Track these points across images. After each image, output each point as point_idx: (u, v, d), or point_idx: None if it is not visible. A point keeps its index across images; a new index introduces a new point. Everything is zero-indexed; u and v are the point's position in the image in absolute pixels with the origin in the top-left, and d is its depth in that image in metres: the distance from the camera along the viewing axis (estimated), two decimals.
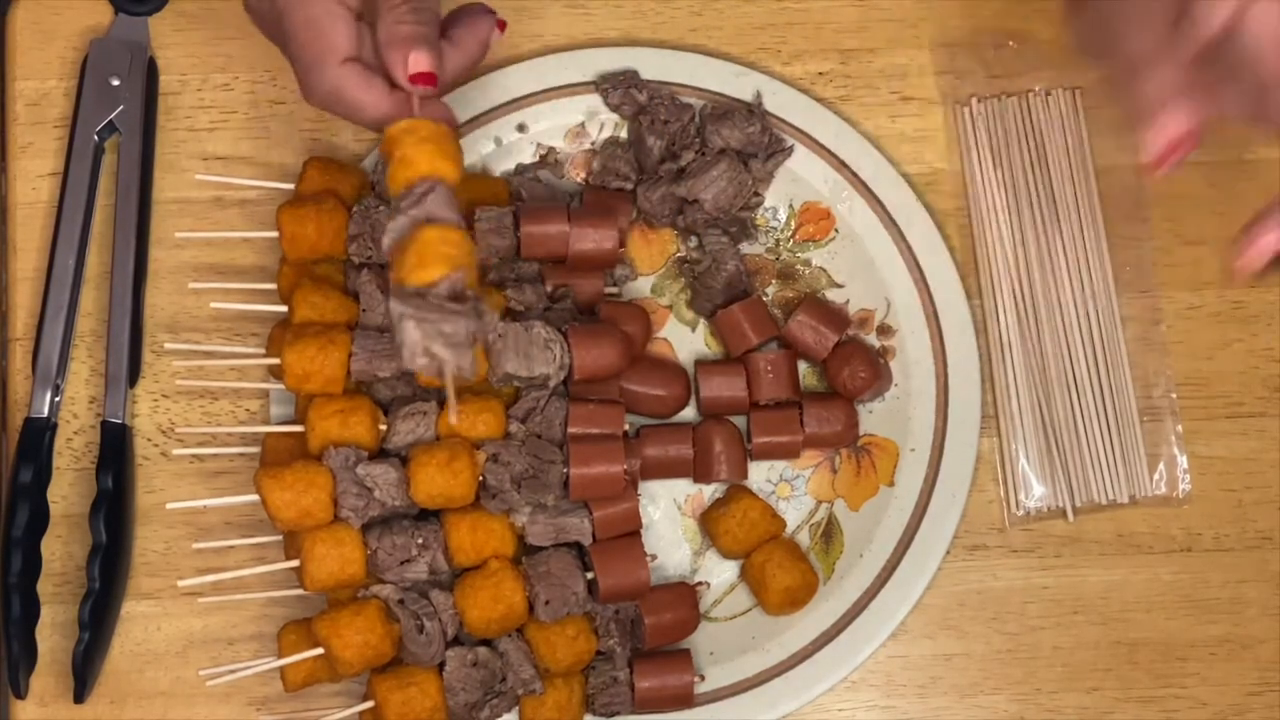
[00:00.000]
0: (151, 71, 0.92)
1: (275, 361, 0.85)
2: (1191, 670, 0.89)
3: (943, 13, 0.94)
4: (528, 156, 0.92)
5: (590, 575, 0.84)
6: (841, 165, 0.91)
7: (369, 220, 0.86)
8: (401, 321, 0.70)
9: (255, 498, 0.82)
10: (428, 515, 0.85)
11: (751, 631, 0.89)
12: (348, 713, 0.83)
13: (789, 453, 0.89)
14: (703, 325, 0.92)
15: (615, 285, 0.90)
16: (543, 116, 0.92)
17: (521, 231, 0.87)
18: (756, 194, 0.91)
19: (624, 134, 0.93)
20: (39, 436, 0.89)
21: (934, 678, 0.89)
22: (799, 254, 0.92)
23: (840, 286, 0.92)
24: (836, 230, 0.92)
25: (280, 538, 0.86)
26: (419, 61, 0.76)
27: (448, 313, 0.71)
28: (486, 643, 0.84)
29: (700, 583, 0.89)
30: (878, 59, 0.94)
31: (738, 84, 0.92)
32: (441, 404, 0.84)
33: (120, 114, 0.91)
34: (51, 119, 0.93)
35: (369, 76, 0.77)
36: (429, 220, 0.72)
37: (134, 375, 0.90)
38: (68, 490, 0.90)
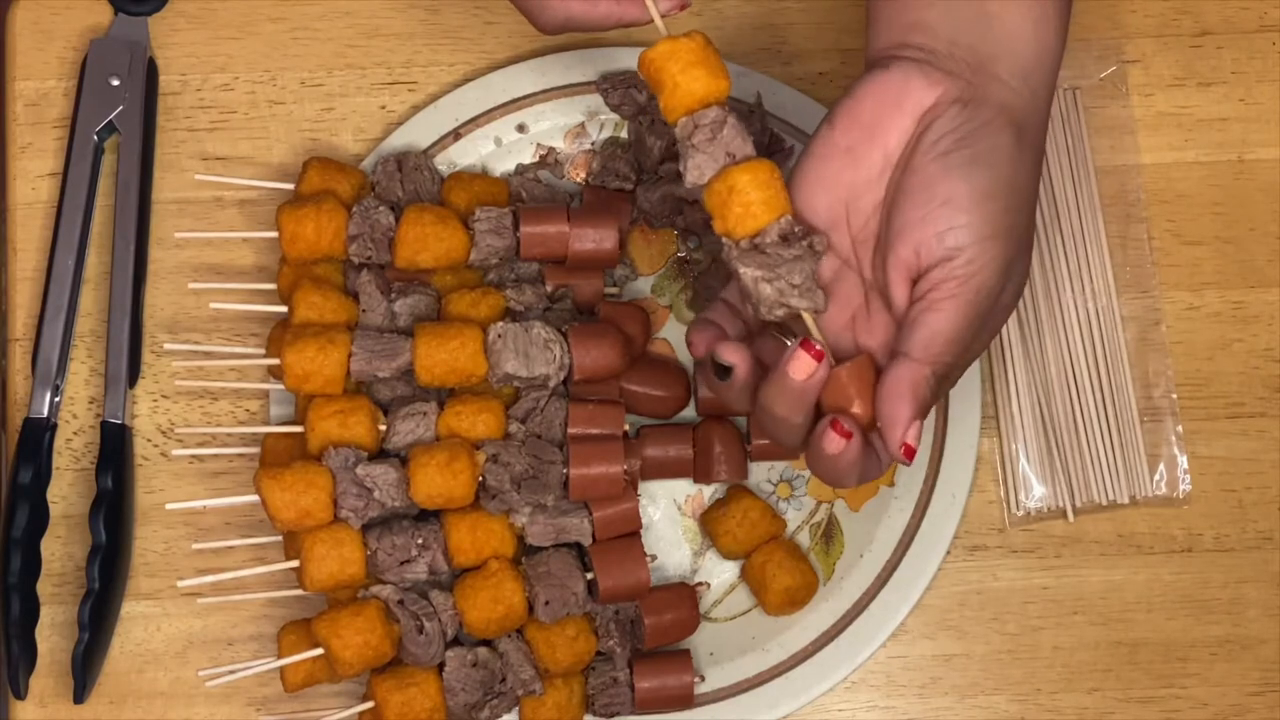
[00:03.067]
0: (151, 71, 0.92)
1: (275, 362, 0.85)
2: (1192, 671, 0.89)
3: None
4: (528, 156, 0.92)
5: (590, 575, 0.84)
6: None
7: (369, 220, 0.86)
8: (756, 285, 0.71)
9: (255, 498, 0.82)
10: (427, 516, 0.85)
11: (751, 632, 0.88)
12: (348, 713, 0.83)
13: (789, 453, 0.89)
14: None
15: (615, 285, 0.90)
16: (543, 116, 0.92)
17: (521, 231, 0.87)
18: None
19: (624, 134, 0.93)
20: (39, 437, 0.89)
21: (934, 678, 0.89)
22: None
23: None
24: None
25: (280, 538, 0.86)
26: None
27: (788, 261, 0.71)
28: (486, 643, 0.84)
29: (700, 583, 0.89)
30: None
31: (738, 84, 0.91)
32: (441, 404, 0.85)
33: (120, 114, 0.91)
34: (51, 119, 0.93)
35: None
36: (731, 158, 0.72)
37: (134, 375, 0.90)
38: (67, 490, 0.90)
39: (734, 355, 0.72)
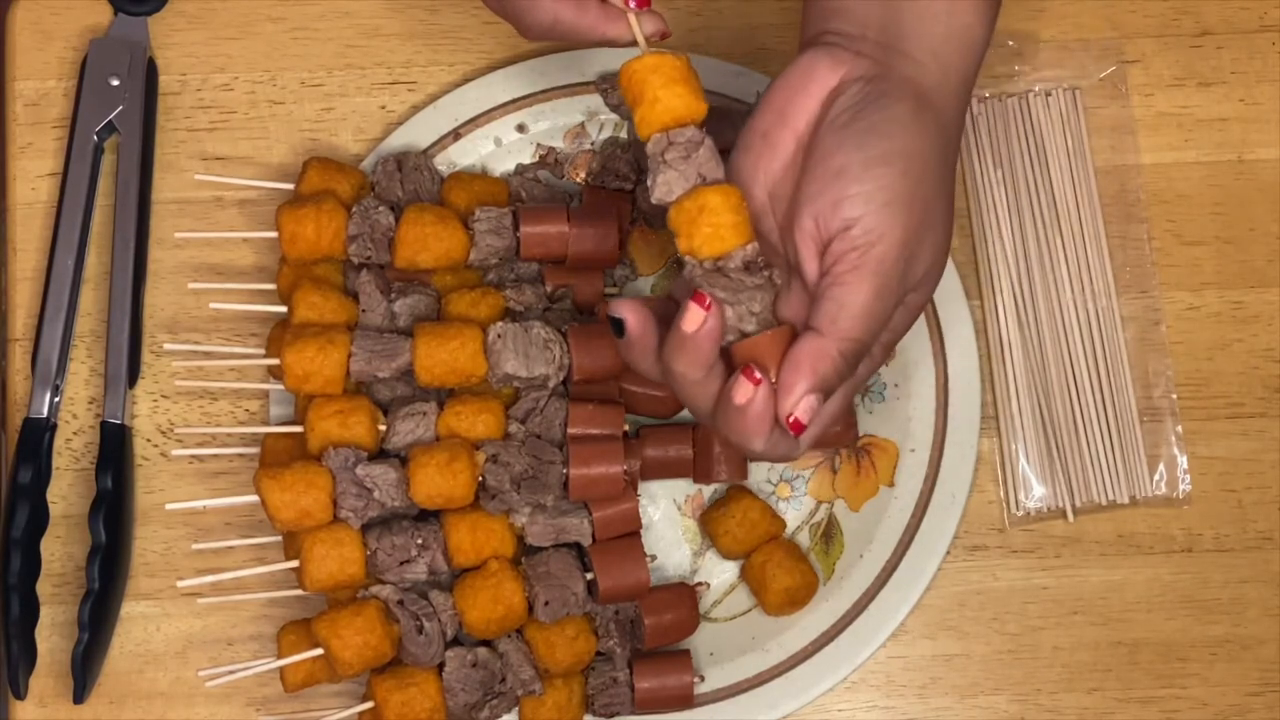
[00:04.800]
0: (151, 71, 0.92)
1: (275, 362, 0.85)
2: (1192, 671, 0.89)
3: None
4: (528, 156, 0.92)
5: (590, 576, 0.84)
6: None
7: (369, 220, 0.86)
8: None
9: (255, 498, 0.82)
10: (427, 516, 0.85)
11: (751, 632, 0.88)
12: (347, 713, 0.83)
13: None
14: None
15: (615, 285, 0.90)
16: (543, 116, 0.92)
17: (521, 231, 0.87)
18: None
19: (624, 134, 0.93)
20: (38, 437, 0.89)
21: (934, 678, 0.89)
22: None
23: None
24: None
25: (280, 538, 0.86)
26: None
27: (750, 289, 0.70)
28: (486, 643, 0.84)
29: (700, 583, 0.89)
30: None
31: (738, 84, 0.92)
32: (441, 404, 0.84)
33: (120, 114, 0.91)
34: (51, 119, 0.93)
35: (581, 2, 0.76)
36: (703, 180, 0.71)
37: (133, 376, 0.90)
38: (67, 491, 0.90)
39: (626, 310, 0.71)
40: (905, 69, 0.72)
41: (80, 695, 0.86)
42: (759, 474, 0.90)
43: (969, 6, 0.74)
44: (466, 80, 0.93)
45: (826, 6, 0.75)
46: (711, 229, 0.70)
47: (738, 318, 0.71)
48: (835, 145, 0.70)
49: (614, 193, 0.91)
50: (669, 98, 0.71)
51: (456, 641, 0.84)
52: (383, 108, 0.93)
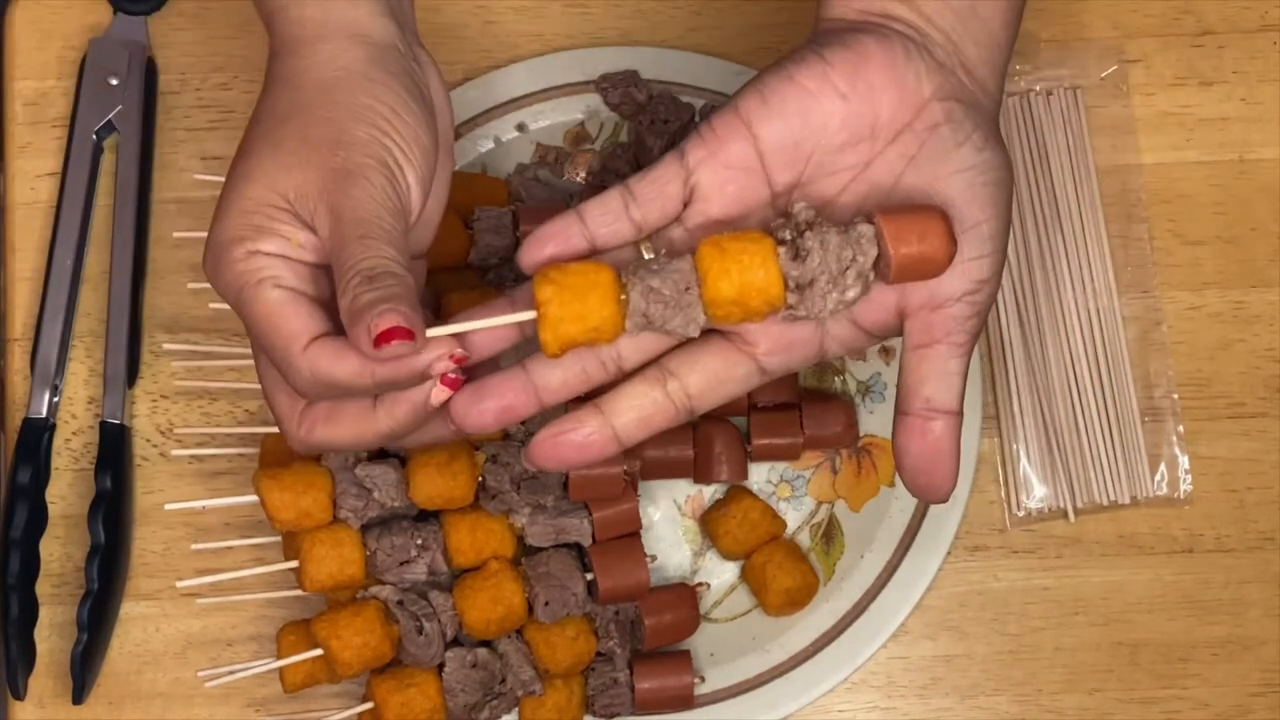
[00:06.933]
0: (150, 71, 0.92)
1: None
2: (1193, 671, 0.89)
3: None
4: (528, 156, 0.92)
5: (590, 576, 0.84)
6: None
7: None
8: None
9: (254, 498, 0.82)
10: (427, 516, 0.84)
11: (752, 632, 0.88)
12: (347, 714, 0.83)
13: (789, 454, 0.88)
14: None
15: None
16: (543, 116, 0.92)
17: (521, 231, 0.87)
18: None
19: (624, 134, 0.93)
20: (37, 437, 0.89)
21: (935, 679, 0.89)
22: None
23: None
24: None
25: (279, 538, 0.86)
26: (381, 323, 0.63)
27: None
28: (486, 644, 0.84)
29: (700, 584, 0.89)
30: None
31: (738, 84, 0.91)
32: None
33: (119, 114, 0.91)
34: (50, 119, 0.93)
35: (339, 348, 0.65)
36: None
37: (133, 376, 0.90)
38: (66, 491, 0.90)
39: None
40: (980, 94, 0.69)
41: (79, 696, 0.86)
42: (759, 474, 0.90)
43: (1004, 23, 0.71)
44: (466, 79, 0.92)
45: None
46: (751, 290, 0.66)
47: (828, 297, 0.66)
48: (967, 193, 0.67)
49: None
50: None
51: (456, 642, 0.84)
52: None
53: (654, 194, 0.67)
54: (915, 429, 0.68)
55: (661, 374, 0.69)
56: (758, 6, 0.94)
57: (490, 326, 0.67)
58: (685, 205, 0.68)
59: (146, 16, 0.93)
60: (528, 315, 0.66)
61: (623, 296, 0.65)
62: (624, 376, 0.69)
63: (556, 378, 0.68)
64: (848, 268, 0.65)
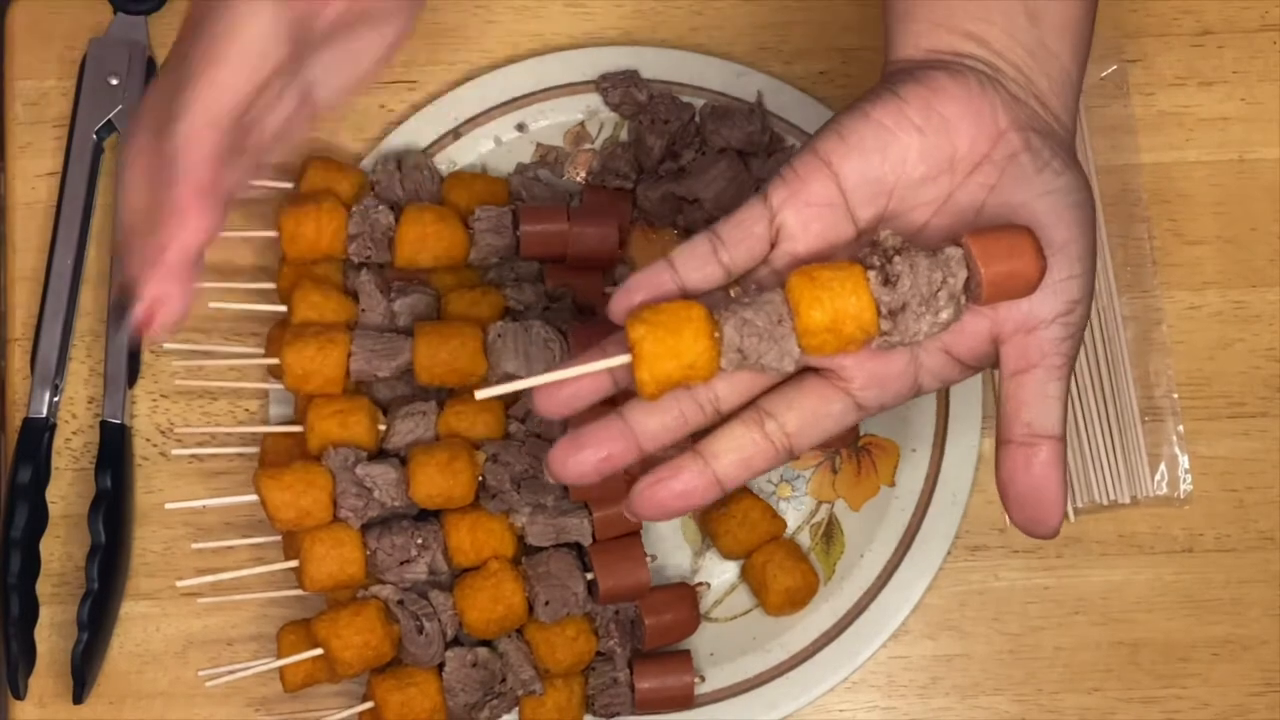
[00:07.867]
0: (150, 71, 0.92)
1: (275, 361, 0.85)
2: (1193, 671, 0.89)
3: None
4: (528, 156, 0.92)
5: (590, 576, 0.84)
6: None
7: (369, 220, 0.85)
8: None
9: (254, 498, 0.82)
10: (427, 515, 0.85)
11: (752, 632, 0.88)
12: (347, 713, 0.83)
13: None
14: None
15: (615, 285, 0.90)
16: (543, 116, 0.92)
17: (521, 231, 0.87)
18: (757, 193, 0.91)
19: (624, 134, 0.93)
20: (38, 436, 0.89)
21: (935, 678, 0.89)
22: None
23: None
24: None
25: (280, 538, 0.86)
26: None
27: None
28: (486, 643, 0.84)
29: (700, 583, 0.89)
30: (879, 58, 0.93)
31: (738, 83, 0.92)
32: (440, 404, 0.84)
33: (119, 113, 0.91)
34: (50, 118, 0.93)
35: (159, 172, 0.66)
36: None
37: (133, 375, 0.90)
38: (66, 490, 0.90)
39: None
40: (1053, 123, 0.69)
41: (80, 695, 0.86)
42: None
43: (1074, 52, 0.70)
44: (466, 79, 0.92)
45: (959, 27, 0.69)
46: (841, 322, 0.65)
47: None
48: (1053, 215, 0.67)
49: (614, 192, 0.91)
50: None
51: (456, 641, 0.84)
52: (382, 107, 0.93)
53: (741, 236, 0.67)
54: (1019, 459, 0.68)
55: (759, 415, 0.68)
56: (759, 6, 0.94)
57: (585, 373, 0.66)
58: (772, 246, 0.67)
59: (146, 16, 0.93)
60: (622, 360, 0.65)
61: (716, 334, 0.64)
62: (721, 420, 0.68)
63: (655, 422, 0.67)
64: (939, 290, 0.64)
